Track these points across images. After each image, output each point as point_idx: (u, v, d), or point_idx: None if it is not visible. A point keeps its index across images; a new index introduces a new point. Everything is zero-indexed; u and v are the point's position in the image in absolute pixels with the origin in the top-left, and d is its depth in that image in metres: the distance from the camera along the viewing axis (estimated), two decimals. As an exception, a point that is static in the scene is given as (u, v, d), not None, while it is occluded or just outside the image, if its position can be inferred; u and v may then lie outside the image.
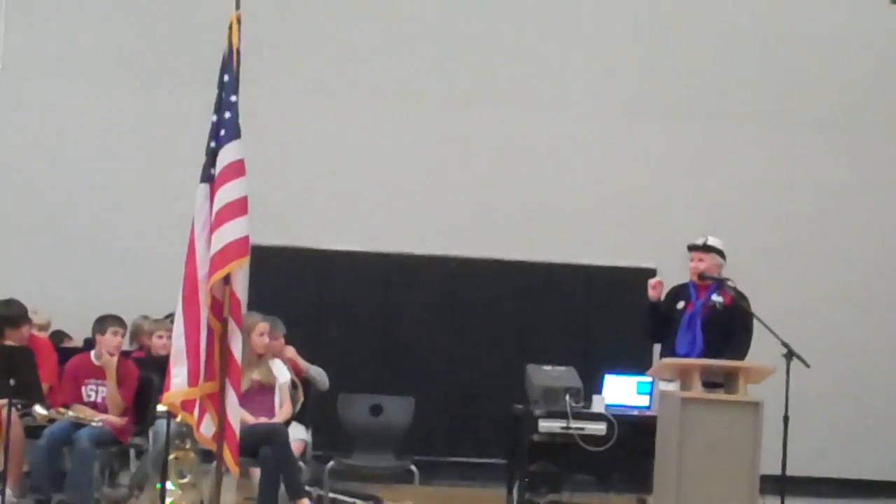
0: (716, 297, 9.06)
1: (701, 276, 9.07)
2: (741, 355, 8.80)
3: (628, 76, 12.42)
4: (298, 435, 8.97)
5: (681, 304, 9.07)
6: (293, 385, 9.15)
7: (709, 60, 12.44)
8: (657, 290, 9.08)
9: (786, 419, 8.60)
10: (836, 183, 12.50)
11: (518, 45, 12.38)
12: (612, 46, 12.46)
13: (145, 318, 10.28)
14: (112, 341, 8.98)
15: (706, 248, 9.15)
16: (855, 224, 12.49)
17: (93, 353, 9.10)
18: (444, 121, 12.24)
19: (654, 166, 12.37)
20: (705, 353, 8.76)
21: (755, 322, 8.84)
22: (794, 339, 8.70)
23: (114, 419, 8.90)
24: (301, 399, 9.21)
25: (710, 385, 8.14)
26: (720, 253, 9.19)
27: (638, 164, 12.37)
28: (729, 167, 12.46)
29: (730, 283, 9.02)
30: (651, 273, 10.71)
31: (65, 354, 9.39)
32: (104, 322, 9.08)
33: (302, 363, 9.50)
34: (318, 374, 9.64)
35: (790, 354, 8.57)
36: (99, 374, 8.98)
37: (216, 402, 7.02)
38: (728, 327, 8.97)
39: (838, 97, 12.50)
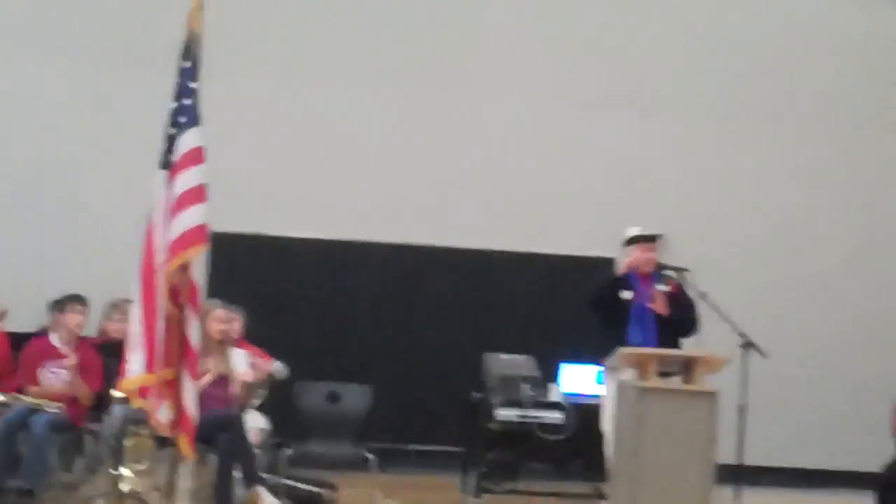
0: (661, 287, 9.06)
1: (659, 266, 9.11)
2: (694, 333, 8.88)
3: (592, 66, 12.37)
4: (257, 423, 8.94)
5: (626, 294, 9.08)
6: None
7: (674, 51, 12.41)
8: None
9: (742, 409, 8.66)
10: (799, 175, 12.52)
11: (484, 34, 12.33)
12: (578, 36, 12.41)
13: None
14: (73, 319, 8.91)
15: (654, 239, 9.18)
16: (817, 217, 12.51)
17: (51, 335, 9.01)
18: (404, 110, 12.18)
19: (617, 157, 12.35)
20: (660, 343, 8.79)
21: (712, 312, 8.89)
22: (755, 330, 8.75)
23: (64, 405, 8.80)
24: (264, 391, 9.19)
25: (665, 375, 8.17)
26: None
27: (600, 155, 12.34)
28: (691, 158, 12.44)
29: (666, 271, 9.05)
30: (611, 262, 10.77)
31: (16, 340, 9.29)
32: (63, 302, 9.03)
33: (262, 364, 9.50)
34: (277, 368, 9.64)
35: (748, 344, 8.64)
36: (59, 356, 8.91)
37: (173, 389, 7.00)
38: (677, 313, 9.01)
39: (805, 89, 12.47)
